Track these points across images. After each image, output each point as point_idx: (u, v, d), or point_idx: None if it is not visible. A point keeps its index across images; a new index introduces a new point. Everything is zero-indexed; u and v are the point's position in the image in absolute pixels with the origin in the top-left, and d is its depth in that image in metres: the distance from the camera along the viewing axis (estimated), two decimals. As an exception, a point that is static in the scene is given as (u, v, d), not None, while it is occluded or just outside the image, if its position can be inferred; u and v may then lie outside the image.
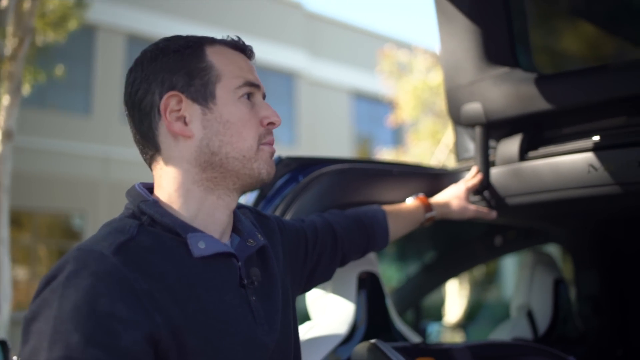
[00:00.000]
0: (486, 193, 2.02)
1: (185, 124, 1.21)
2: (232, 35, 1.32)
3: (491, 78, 1.94)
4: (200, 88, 1.21)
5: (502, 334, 2.48)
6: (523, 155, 1.95)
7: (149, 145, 1.24)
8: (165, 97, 1.20)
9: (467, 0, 1.95)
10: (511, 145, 1.97)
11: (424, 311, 4.07)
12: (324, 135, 18.67)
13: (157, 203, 1.20)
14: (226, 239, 1.27)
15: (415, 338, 2.08)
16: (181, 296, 1.10)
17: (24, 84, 6.67)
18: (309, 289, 1.65)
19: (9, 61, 5.57)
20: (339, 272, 1.99)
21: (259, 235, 1.33)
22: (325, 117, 19.05)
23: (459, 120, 2.05)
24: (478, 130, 2.00)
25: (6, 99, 5.56)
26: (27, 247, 13.74)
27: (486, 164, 2.00)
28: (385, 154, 14.84)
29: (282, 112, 18.23)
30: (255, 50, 1.34)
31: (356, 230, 1.71)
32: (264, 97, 1.30)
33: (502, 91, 1.92)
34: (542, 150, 1.92)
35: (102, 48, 14.76)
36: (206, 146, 1.21)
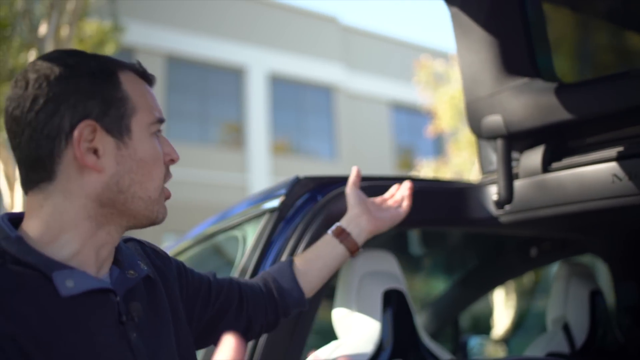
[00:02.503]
0: (510, 206, 1.98)
1: (98, 157, 1.10)
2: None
3: (510, 89, 1.91)
4: (115, 120, 1.11)
5: (537, 348, 2.41)
6: (546, 167, 1.90)
7: (40, 172, 1.10)
8: (81, 124, 1.08)
9: (483, 11, 1.93)
10: (534, 157, 1.93)
11: (473, 324, 3.99)
12: (364, 148, 18.67)
13: (21, 240, 1.07)
14: (104, 272, 1.16)
15: (445, 356, 2.04)
16: (45, 340, 1.00)
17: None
18: (203, 342, 1.45)
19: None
20: (364, 290, 1.97)
21: (142, 265, 1.24)
22: (365, 129, 19.06)
23: (480, 133, 2.02)
24: (499, 142, 1.97)
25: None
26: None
27: (509, 177, 1.96)
28: (426, 164, 14.73)
29: (322, 126, 18.36)
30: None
31: (259, 293, 1.55)
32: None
33: (522, 102, 1.88)
34: (566, 161, 1.87)
35: (142, 70, 15.05)
36: (115, 184, 1.11)
